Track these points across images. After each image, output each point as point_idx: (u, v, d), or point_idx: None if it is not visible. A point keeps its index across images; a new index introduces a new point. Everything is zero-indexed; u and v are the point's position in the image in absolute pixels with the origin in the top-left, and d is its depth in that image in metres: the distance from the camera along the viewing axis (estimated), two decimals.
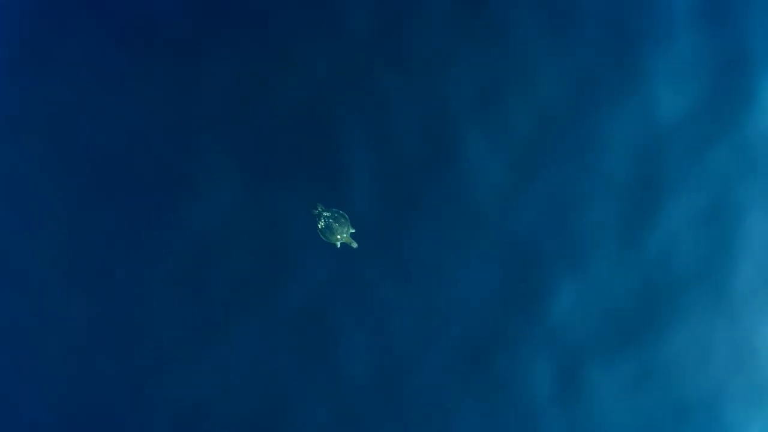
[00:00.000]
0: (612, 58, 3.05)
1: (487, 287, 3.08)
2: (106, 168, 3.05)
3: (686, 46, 3.05)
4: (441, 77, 3.03)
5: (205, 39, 3.03)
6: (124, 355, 3.04)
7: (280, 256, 3.04)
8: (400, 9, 3.04)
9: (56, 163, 3.05)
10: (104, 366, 3.05)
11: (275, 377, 3.05)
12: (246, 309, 3.04)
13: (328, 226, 2.94)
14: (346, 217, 2.97)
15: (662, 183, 3.07)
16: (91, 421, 3.04)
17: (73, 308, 3.05)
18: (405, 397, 3.07)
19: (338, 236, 2.94)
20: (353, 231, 2.98)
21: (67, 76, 3.03)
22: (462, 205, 3.04)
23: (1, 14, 3.03)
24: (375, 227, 3.03)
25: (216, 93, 3.04)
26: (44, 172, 3.05)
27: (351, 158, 3.02)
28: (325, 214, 2.94)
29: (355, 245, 2.96)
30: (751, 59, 3.06)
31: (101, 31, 3.04)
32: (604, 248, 3.07)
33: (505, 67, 3.05)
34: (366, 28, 3.04)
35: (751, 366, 3.12)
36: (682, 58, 3.06)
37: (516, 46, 3.05)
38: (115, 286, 3.04)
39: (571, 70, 3.05)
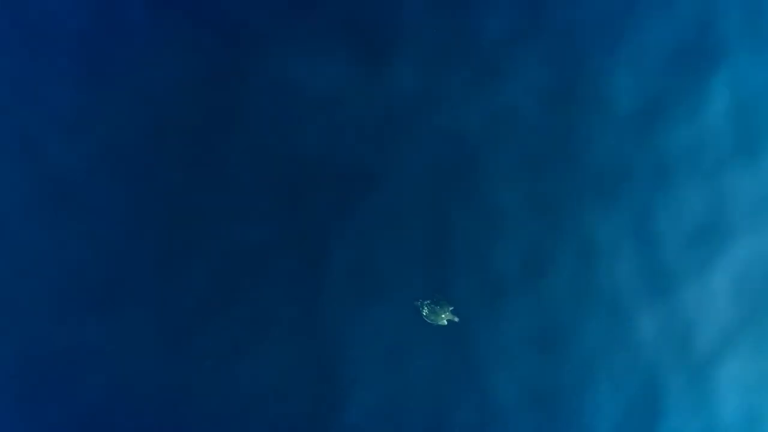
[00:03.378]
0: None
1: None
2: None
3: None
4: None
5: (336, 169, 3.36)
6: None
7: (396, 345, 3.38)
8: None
9: None
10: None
11: None
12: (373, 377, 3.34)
13: (431, 311, 3.35)
14: (444, 298, 3.36)
15: None
16: None
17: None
18: None
19: (442, 316, 3.35)
20: (452, 308, 3.35)
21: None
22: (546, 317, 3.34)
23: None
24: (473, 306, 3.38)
25: (328, 196, 3.37)
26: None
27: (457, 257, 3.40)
28: (425, 302, 3.34)
29: (456, 319, 3.36)
30: None
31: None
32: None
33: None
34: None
35: None
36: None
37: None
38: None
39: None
